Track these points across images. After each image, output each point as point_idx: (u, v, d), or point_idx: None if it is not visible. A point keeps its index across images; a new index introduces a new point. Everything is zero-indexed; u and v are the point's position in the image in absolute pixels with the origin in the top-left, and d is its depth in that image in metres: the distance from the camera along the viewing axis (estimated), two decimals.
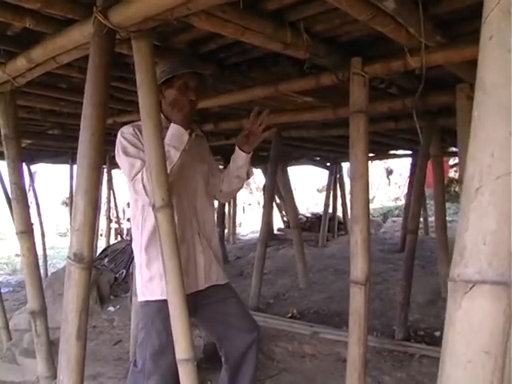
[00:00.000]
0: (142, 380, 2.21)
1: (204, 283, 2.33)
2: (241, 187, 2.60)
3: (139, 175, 2.05)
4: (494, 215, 0.92)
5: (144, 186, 2.02)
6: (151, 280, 2.21)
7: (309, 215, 11.43)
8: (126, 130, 2.18)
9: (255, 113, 2.35)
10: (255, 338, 2.41)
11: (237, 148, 2.39)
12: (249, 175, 2.46)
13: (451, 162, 13.73)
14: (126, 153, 2.13)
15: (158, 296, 2.18)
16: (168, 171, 2.01)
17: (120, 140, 2.17)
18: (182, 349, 1.96)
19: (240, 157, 2.39)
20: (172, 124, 2.12)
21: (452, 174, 14.09)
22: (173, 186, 2.12)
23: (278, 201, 10.67)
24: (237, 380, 2.47)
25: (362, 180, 2.48)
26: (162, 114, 2.23)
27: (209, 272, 2.36)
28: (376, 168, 18.83)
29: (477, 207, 0.94)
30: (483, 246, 0.92)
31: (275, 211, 10.62)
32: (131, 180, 2.08)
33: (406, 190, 9.98)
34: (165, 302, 2.06)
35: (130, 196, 2.32)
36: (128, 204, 12.19)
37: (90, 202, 1.93)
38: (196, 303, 2.31)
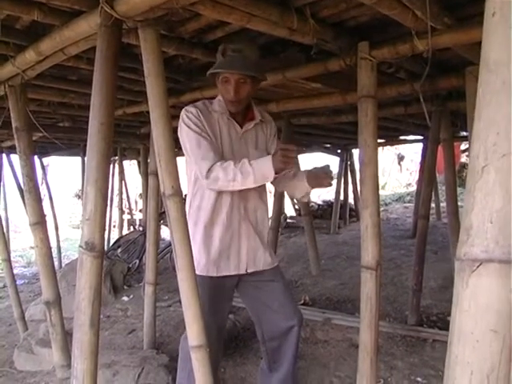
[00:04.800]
0: (187, 347, 2.31)
1: (246, 269, 2.41)
2: None
3: (210, 164, 2.12)
4: (500, 193, 0.92)
5: (207, 176, 2.11)
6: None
7: (320, 203, 11.44)
8: (190, 110, 2.23)
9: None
10: (295, 324, 2.46)
11: (306, 178, 2.35)
12: (304, 198, 2.50)
13: (463, 146, 13.62)
14: (190, 129, 2.19)
15: (197, 271, 2.24)
16: (235, 186, 2.12)
17: (183, 117, 2.23)
18: (194, 335, 1.99)
19: (302, 186, 2.38)
20: (269, 159, 2.08)
21: (464, 159, 13.98)
22: None
23: None
24: (275, 365, 2.56)
25: (371, 165, 2.47)
26: (224, 100, 2.34)
27: (253, 259, 2.42)
28: (387, 154, 18.73)
29: (482, 186, 0.94)
30: (489, 224, 0.92)
31: (286, 199, 10.62)
32: (200, 159, 2.14)
33: (417, 176, 9.92)
34: (205, 277, 2.27)
35: (187, 178, 2.40)
36: (140, 195, 12.28)
37: (100, 192, 1.95)
38: (240, 279, 2.44)
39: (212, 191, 2.27)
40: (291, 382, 2.52)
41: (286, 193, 2.59)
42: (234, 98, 2.27)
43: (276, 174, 2.07)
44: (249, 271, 2.41)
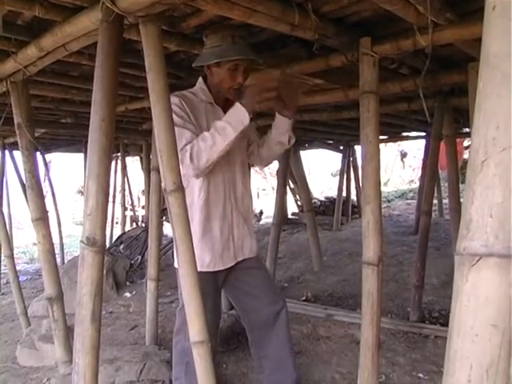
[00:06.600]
0: (183, 340, 2.35)
1: (238, 257, 2.46)
2: (281, 153, 2.68)
3: (188, 146, 2.15)
4: (500, 187, 0.91)
5: (191, 157, 2.12)
6: None
7: (323, 199, 11.43)
8: (172, 100, 2.17)
9: (283, 75, 2.35)
10: (280, 308, 2.51)
11: (277, 114, 2.40)
12: (290, 141, 2.50)
13: (466, 143, 13.59)
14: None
15: (202, 269, 2.25)
16: (219, 147, 2.11)
17: None
18: (196, 331, 1.98)
19: (282, 123, 2.41)
20: (237, 104, 2.14)
21: (466, 155, 13.93)
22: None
23: (292, 185, 10.67)
24: (265, 349, 2.58)
25: (373, 161, 2.46)
26: (207, 88, 2.38)
27: (242, 246, 2.47)
28: (390, 151, 18.71)
29: (482, 180, 0.93)
30: (489, 218, 0.92)
31: (289, 195, 10.63)
32: (180, 150, 2.10)
33: (420, 173, 9.91)
34: (205, 273, 2.26)
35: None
36: (143, 192, 12.32)
37: (101, 187, 1.95)
38: (228, 271, 2.46)
39: (202, 187, 2.29)
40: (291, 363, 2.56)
41: (273, 150, 2.56)
42: (242, 85, 2.30)
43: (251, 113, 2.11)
44: (239, 259, 2.46)
